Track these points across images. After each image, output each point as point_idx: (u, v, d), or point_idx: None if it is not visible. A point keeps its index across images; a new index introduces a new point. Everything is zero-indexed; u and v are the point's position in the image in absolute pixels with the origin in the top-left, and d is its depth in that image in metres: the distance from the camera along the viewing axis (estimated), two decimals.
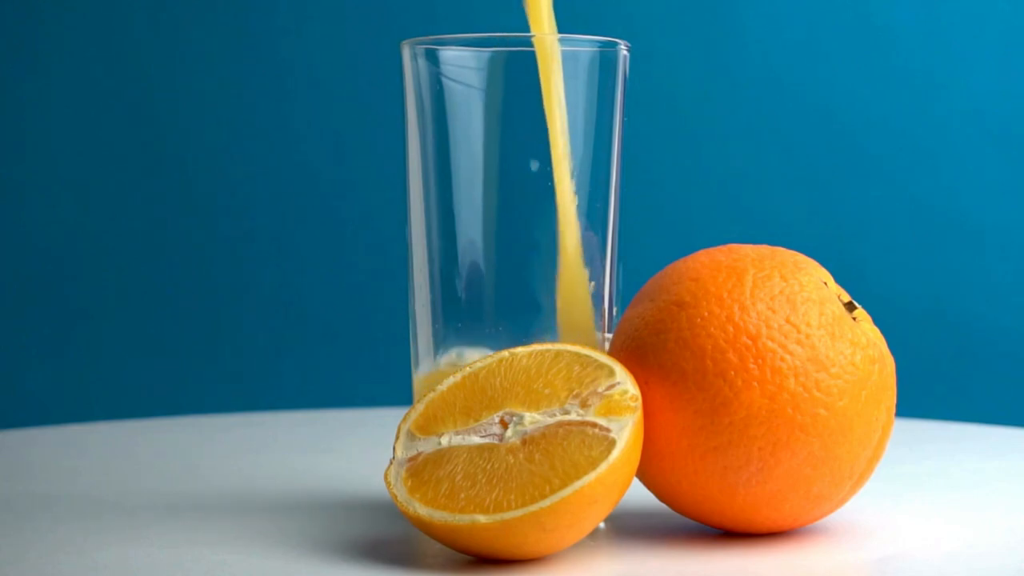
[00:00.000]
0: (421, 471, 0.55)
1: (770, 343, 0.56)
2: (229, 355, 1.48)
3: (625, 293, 0.66)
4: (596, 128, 0.63)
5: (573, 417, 0.55)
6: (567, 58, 0.62)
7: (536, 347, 0.58)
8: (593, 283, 0.63)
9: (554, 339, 0.62)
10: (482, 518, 0.53)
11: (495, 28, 0.64)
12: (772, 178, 1.45)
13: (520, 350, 0.57)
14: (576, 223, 0.62)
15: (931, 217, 1.43)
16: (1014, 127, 1.42)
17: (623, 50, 0.64)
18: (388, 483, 0.56)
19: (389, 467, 0.56)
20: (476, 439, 0.55)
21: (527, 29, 0.64)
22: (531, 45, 0.62)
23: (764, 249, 0.60)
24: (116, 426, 0.95)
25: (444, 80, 0.62)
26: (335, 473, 0.75)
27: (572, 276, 0.62)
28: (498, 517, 0.53)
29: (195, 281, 1.48)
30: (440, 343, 0.64)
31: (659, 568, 0.54)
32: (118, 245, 1.48)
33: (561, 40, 0.62)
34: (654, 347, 0.57)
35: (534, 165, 0.62)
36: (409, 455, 0.56)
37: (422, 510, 0.54)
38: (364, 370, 1.48)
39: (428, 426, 0.56)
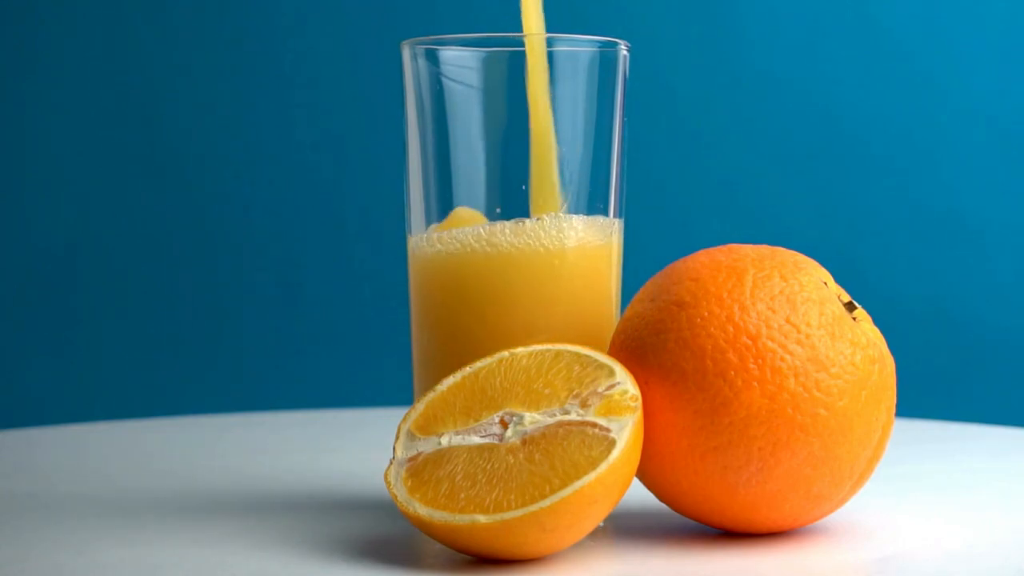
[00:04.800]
0: (421, 471, 0.55)
1: (770, 343, 0.56)
2: (229, 355, 1.48)
3: (625, 293, 0.66)
4: (596, 128, 0.63)
5: (573, 417, 0.55)
6: (567, 58, 0.62)
7: (536, 347, 0.58)
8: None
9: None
10: (482, 518, 0.53)
11: (495, 28, 0.64)
12: (772, 178, 1.45)
13: (520, 350, 0.57)
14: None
15: (931, 217, 1.43)
16: (1014, 127, 1.42)
17: (623, 50, 0.64)
18: (388, 483, 0.56)
19: (389, 467, 0.56)
20: (476, 439, 0.55)
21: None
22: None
23: (764, 249, 0.60)
24: (116, 426, 0.95)
25: (444, 80, 0.62)
26: (335, 473, 0.75)
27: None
28: (498, 517, 0.53)
29: (195, 281, 1.48)
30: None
31: (659, 568, 0.54)
32: (118, 245, 1.48)
33: (561, 40, 0.62)
34: (654, 347, 0.57)
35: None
36: (409, 455, 0.56)
37: (422, 510, 0.54)
38: (364, 370, 1.48)
39: (428, 426, 0.56)
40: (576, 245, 0.62)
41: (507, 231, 0.62)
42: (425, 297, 0.63)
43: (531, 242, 0.62)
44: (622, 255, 0.66)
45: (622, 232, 0.65)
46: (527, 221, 0.62)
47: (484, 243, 0.62)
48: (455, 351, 0.62)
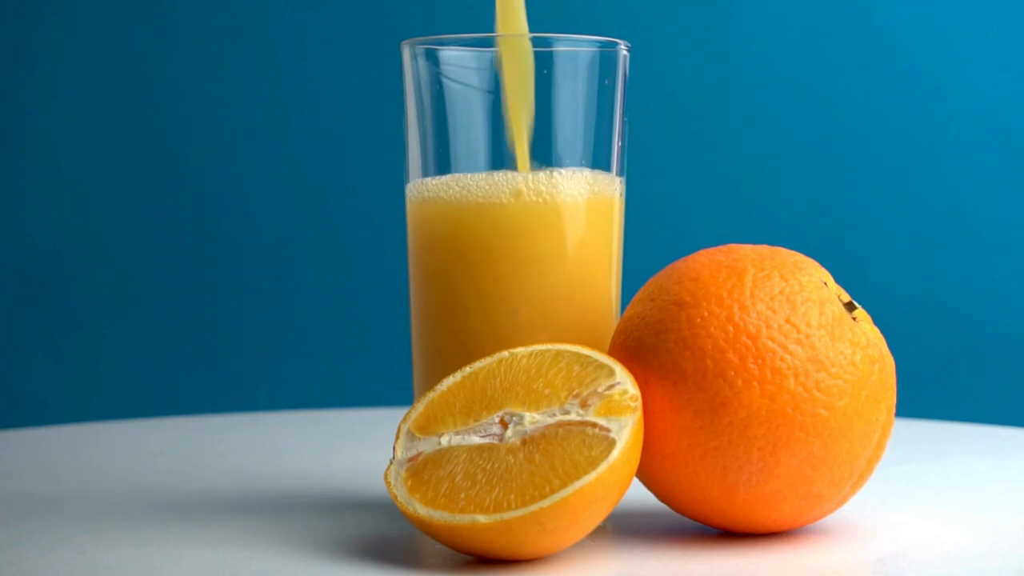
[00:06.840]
0: (421, 471, 0.55)
1: (770, 343, 0.56)
2: (229, 355, 1.48)
3: (625, 293, 0.66)
4: (596, 128, 0.63)
5: (573, 417, 0.55)
6: (567, 58, 0.62)
7: (536, 347, 0.58)
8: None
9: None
10: (482, 518, 0.53)
11: (495, 28, 0.64)
12: (772, 178, 1.45)
13: (520, 350, 0.57)
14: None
15: (931, 217, 1.43)
16: (1014, 127, 1.42)
17: (623, 50, 0.64)
18: (388, 483, 0.56)
19: (389, 467, 0.56)
20: (476, 439, 0.55)
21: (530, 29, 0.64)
22: (533, 45, 0.62)
23: (764, 249, 0.60)
24: (116, 426, 0.95)
25: (444, 80, 0.62)
26: (335, 473, 0.75)
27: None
28: (498, 517, 0.53)
29: (195, 281, 1.48)
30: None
31: (659, 568, 0.54)
32: (118, 245, 1.48)
33: (561, 40, 0.62)
34: (654, 347, 0.57)
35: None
36: (409, 455, 0.56)
37: (422, 510, 0.54)
38: (364, 370, 1.48)
39: (428, 426, 0.56)
40: (584, 196, 0.62)
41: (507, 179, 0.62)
42: (422, 249, 0.63)
43: (535, 191, 0.62)
44: (623, 258, 0.66)
45: (623, 227, 0.65)
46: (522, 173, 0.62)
47: (481, 190, 0.62)
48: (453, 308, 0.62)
